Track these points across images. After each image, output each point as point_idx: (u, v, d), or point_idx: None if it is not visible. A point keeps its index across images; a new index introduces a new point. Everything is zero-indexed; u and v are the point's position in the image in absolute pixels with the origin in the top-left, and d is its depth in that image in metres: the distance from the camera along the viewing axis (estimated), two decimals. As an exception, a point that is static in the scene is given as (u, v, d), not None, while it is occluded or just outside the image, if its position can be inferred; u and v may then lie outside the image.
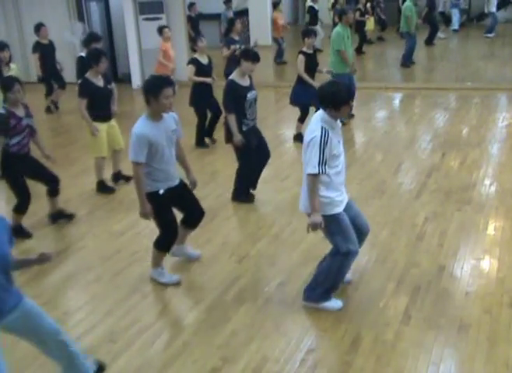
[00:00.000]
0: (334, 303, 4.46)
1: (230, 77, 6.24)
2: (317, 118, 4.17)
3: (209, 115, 8.73)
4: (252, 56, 6.06)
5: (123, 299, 4.73)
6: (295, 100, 8.57)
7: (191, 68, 8.33)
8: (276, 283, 4.85)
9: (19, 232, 5.82)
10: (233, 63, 8.61)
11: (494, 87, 11.50)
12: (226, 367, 3.86)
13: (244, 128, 6.19)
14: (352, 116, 9.36)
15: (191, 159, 8.32)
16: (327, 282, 4.41)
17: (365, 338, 4.06)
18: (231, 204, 6.56)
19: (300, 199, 4.37)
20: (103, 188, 7.12)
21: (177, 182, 4.79)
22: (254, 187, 6.71)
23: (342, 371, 3.78)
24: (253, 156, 6.41)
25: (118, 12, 13.39)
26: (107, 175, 7.28)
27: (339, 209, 4.27)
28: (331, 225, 4.26)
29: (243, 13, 17.51)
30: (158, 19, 12.57)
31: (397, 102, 11.62)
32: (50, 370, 3.91)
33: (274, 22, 15.54)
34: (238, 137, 6.15)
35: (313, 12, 15.87)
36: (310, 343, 4.06)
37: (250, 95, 6.13)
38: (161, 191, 4.65)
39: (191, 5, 15.86)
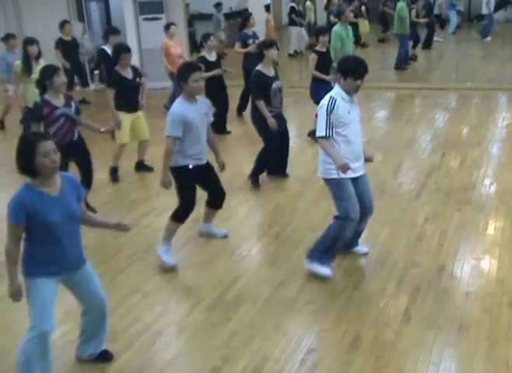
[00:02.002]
0: (324, 270, 4.80)
1: (257, 67, 6.80)
2: (331, 91, 4.73)
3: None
4: (271, 43, 6.82)
5: (123, 299, 4.73)
6: (313, 98, 8.55)
7: None
8: (276, 283, 4.84)
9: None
10: (249, 56, 9.29)
11: (494, 87, 11.50)
12: (226, 367, 3.86)
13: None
14: None
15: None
16: (324, 243, 4.80)
17: (365, 338, 4.06)
18: (231, 205, 6.55)
19: (318, 165, 4.89)
20: (113, 175, 7.50)
21: (205, 161, 5.23)
22: (284, 171, 7.27)
23: (342, 371, 3.78)
24: (274, 140, 6.92)
25: (118, 12, 13.40)
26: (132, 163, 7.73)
27: (343, 174, 4.65)
28: (334, 189, 4.77)
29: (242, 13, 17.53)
30: (158, 19, 12.58)
31: (397, 102, 11.62)
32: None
33: (266, 24, 15.42)
34: (271, 120, 6.70)
35: (292, 13, 15.89)
36: (310, 343, 4.06)
37: (274, 85, 6.71)
38: (190, 166, 5.09)
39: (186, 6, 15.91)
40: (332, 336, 4.13)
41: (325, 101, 4.64)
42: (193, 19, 16.26)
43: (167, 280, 5.03)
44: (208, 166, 5.30)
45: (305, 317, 4.38)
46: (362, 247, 5.23)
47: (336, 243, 4.78)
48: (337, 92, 4.67)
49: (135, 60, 12.91)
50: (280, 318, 4.35)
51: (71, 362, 3.97)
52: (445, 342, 3.99)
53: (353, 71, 4.57)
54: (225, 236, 5.69)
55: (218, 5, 17.46)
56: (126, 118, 7.22)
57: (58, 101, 5.81)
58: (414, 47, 15.15)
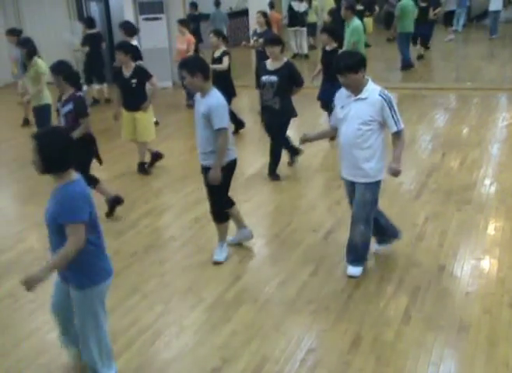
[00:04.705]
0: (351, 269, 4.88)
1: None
2: None
3: None
4: (270, 40, 6.88)
5: (123, 299, 4.73)
6: (319, 95, 8.49)
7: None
8: (276, 283, 4.85)
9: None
10: (260, 54, 9.48)
11: (494, 87, 11.50)
12: (226, 367, 3.86)
13: (261, 105, 7.04)
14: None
15: (192, 159, 8.38)
16: None
17: (365, 338, 4.06)
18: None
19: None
20: (141, 170, 7.66)
21: (204, 162, 5.05)
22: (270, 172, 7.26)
23: (342, 371, 3.78)
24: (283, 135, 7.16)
25: (118, 12, 13.38)
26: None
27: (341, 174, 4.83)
28: None
29: (243, 13, 17.52)
30: (158, 19, 12.57)
31: (397, 102, 11.58)
32: (50, 370, 3.92)
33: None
34: (260, 110, 7.13)
35: (291, 12, 15.62)
36: (310, 343, 4.06)
37: (265, 78, 6.77)
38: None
39: (194, 5, 15.88)
40: (332, 336, 4.13)
41: None
42: (199, 18, 16.18)
43: (167, 280, 5.02)
44: (205, 172, 5.03)
45: (305, 317, 4.38)
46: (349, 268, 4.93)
47: (350, 241, 4.86)
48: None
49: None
50: (280, 318, 4.35)
51: (70, 362, 3.96)
52: (445, 342, 3.99)
53: (336, 67, 4.53)
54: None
55: (217, 4, 17.50)
56: (124, 115, 7.37)
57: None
58: (422, 44, 14.99)
